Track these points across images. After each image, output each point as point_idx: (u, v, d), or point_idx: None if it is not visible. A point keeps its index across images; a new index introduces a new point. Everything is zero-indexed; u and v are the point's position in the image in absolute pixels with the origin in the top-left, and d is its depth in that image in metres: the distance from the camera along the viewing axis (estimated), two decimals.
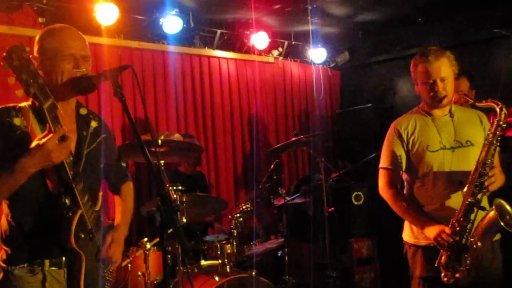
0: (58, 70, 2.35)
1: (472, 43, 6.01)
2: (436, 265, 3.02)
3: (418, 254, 3.19)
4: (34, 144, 2.17)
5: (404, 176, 3.31)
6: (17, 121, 2.33)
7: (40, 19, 4.85)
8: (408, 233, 3.27)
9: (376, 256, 5.97)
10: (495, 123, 2.97)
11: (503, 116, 2.96)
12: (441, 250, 3.00)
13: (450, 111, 3.21)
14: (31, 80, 2.11)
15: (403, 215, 3.23)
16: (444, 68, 3.11)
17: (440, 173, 3.10)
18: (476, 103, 3.08)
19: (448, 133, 3.15)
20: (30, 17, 4.85)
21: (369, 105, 6.91)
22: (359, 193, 6.09)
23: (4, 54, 2.10)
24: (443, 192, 3.09)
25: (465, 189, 2.95)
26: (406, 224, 3.29)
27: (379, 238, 6.02)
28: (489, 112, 3.18)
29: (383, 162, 3.31)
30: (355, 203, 6.07)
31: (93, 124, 2.62)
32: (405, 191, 3.32)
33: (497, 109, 2.97)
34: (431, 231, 3.02)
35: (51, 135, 2.15)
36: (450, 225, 2.97)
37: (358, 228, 6.03)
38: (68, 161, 2.28)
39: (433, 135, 3.16)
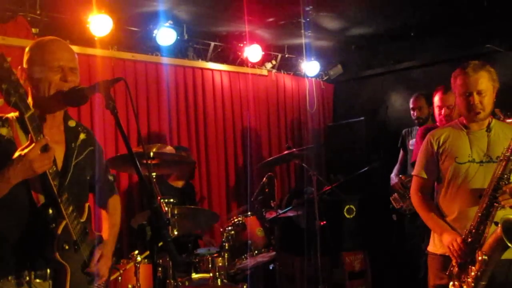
0: (45, 81, 2.35)
1: (464, 58, 6.00)
2: (447, 274, 3.07)
3: (434, 262, 3.27)
4: (16, 154, 2.16)
5: (435, 185, 3.38)
6: (3, 131, 2.33)
7: (33, 30, 4.85)
8: (431, 243, 3.34)
9: (368, 269, 5.95)
10: None
11: None
12: (453, 260, 3.05)
13: (488, 126, 3.22)
14: (12, 90, 2.10)
15: (426, 221, 3.30)
16: (482, 81, 3.12)
17: (464, 185, 3.15)
18: (505, 120, 3.12)
19: (480, 147, 3.17)
20: (24, 28, 4.84)
21: (362, 118, 6.93)
22: (351, 206, 6.09)
23: None
24: (463, 205, 3.13)
25: (480, 202, 3.00)
26: (432, 235, 3.35)
27: (371, 252, 6.02)
28: None
29: (416, 169, 3.40)
30: (347, 216, 6.07)
31: (82, 136, 2.62)
32: (434, 199, 3.38)
33: None
34: (446, 239, 3.09)
35: (33, 145, 2.14)
36: (463, 236, 3.02)
37: (350, 241, 6.02)
38: (51, 171, 2.26)
39: (464, 147, 3.19)
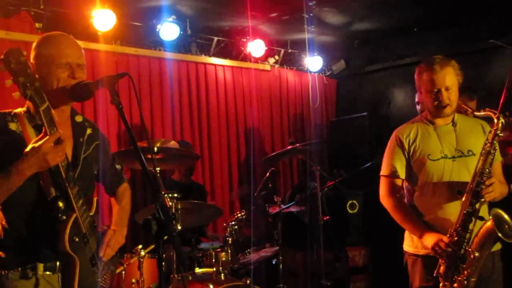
0: (53, 77, 2.37)
1: (467, 54, 6.02)
2: (434, 275, 3.01)
3: (417, 263, 3.18)
4: (29, 147, 2.19)
5: (405, 185, 3.31)
6: (12, 126, 2.35)
7: (37, 25, 4.85)
8: (408, 243, 3.26)
9: (371, 265, 5.96)
10: (492, 132, 2.97)
11: (500, 125, 2.96)
12: (440, 260, 2.99)
13: (453, 120, 3.20)
14: (28, 83, 2.15)
15: (402, 224, 3.21)
16: (449, 77, 3.10)
17: (440, 182, 3.10)
18: (475, 113, 3.08)
19: (449, 142, 3.15)
20: (27, 23, 4.84)
21: (365, 113, 6.92)
22: (354, 201, 6.10)
23: (2, 56, 2.13)
24: (442, 202, 3.09)
25: (463, 198, 2.95)
26: (407, 234, 3.28)
27: (374, 247, 6.03)
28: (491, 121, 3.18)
29: (384, 169, 3.30)
30: (350, 211, 6.08)
31: (88, 131, 2.64)
32: (405, 200, 3.32)
33: (494, 118, 2.98)
34: (429, 240, 3.01)
35: (46, 137, 2.17)
36: (448, 235, 2.97)
37: (353, 236, 6.03)
38: (63, 164, 2.28)
39: (435, 144, 3.15)
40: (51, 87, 2.36)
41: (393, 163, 3.24)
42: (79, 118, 2.61)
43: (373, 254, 6.02)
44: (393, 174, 3.23)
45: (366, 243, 6.03)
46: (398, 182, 3.26)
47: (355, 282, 5.83)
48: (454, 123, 3.20)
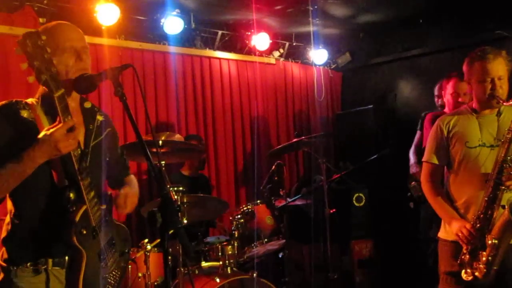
0: (61, 64, 2.33)
1: (473, 45, 5.95)
2: (458, 262, 3.07)
3: (445, 248, 3.25)
4: (42, 133, 2.16)
5: (445, 171, 3.37)
6: (24, 113, 2.32)
7: (40, 20, 4.84)
8: (442, 229, 3.33)
9: (377, 258, 5.95)
10: None
11: None
12: (463, 247, 3.05)
13: (498, 110, 3.20)
14: (44, 68, 2.12)
15: (436, 209, 3.30)
16: (502, 67, 3.12)
17: (473, 170, 3.13)
18: (504, 103, 3.08)
19: (490, 131, 3.15)
20: (31, 18, 4.83)
21: (370, 106, 6.89)
22: (360, 194, 6.08)
23: (19, 39, 2.11)
24: (473, 188, 3.12)
25: (486, 186, 3.00)
26: (443, 222, 3.33)
27: (380, 240, 6.01)
28: None
29: (426, 156, 3.38)
30: (356, 204, 6.06)
31: (99, 117, 2.61)
32: (444, 186, 3.37)
33: None
34: (455, 226, 3.09)
35: (60, 124, 2.14)
36: (472, 222, 3.03)
37: (358, 229, 6.02)
38: (76, 154, 2.26)
39: (474, 132, 3.17)
40: (61, 75, 2.31)
41: (432, 150, 3.32)
42: (88, 104, 2.57)
43: (379, 247, 6.01)
44: (431, 160, 3.33)
45: (372, 236, 6.01)
46: (437, 168, 3.34)
47: (361, 275, 5.82)
48: (499, 113, 3.20)
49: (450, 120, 3.28)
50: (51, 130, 2.14)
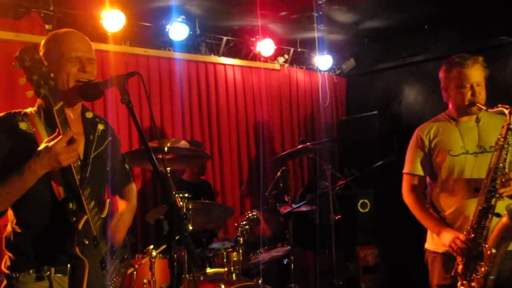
0: (64, 73, 2.34)
1: (478, 51, 5.95)
2: (452, 274, 3.01)
3: (436, 260, 3.20)
4: (42, 146, 2.17)
5: (427, 181, 3.33)
6: (23, 125, 2.32)
7: (47, 26, 4.86)
8: (429, 240, 3.28)
9: (382, 264, 5.93)
10: (505, 127, 2.96)
11: None
12: (457, 259, 2.99)
13: (477, 117, 3.19)
14: (42, 82, 2.13)
15: (422, 221, 3.25)
16: (479, 73, 3.12)
17: (460, 178, 3.10)
18: (488, 110, 3.06)
19: (471, 138, 3.14)
20: (37, 24, 4.85)
21: (375, 112, 6.88)
22: (365, 200, 6.07)
23: (16, 54, 2.12)
24: (461, 198, 3.09)
25: (479, 195, 2.95)
26: (429, 232, 3.29)
27: (385, 246, 6.00)
28: None
29: (406, 167, 3.35)
30: (361, 210, 6.06)
31: (100, 127, 2.62)
32: (428, 196, 3.34)
33: (507, 113, 2.96)
34: (446, 238, 3.03)
35: (60, 137, 2.15)
36: (465, 232, 2.97)
37: (364, 236, 6.01)
38: (76, 165, 2.27)
39: (456, 140, 3.15)
40: (62, 83, 2.34)
41: (414, 160, 3.29)
42: (89, 115, 2.58)
43: (385, 254, 5.99)
44: (413, 172, 3.28)
45: (377, 242, 6.00)
46: (420, 179, 3.30)
47: (366, 282, 5.80)
48: (477, 120, 3.19)
49: (430, 130, 3.25)
50: (52, 143, 2.14)
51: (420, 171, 3.26)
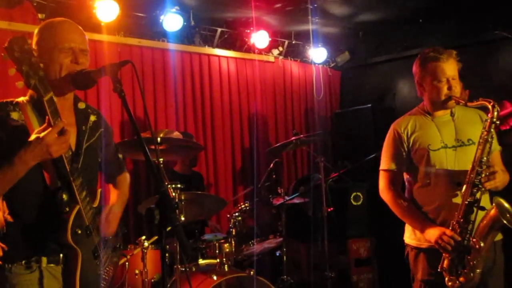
0: (56, 63, 2.33)
1: (473, 45, 5.98)
2: (439, 270, 2.98)
3: (420, 257, 3.16)
4: (33, 137, 2.16)
5: (406, 177, 3.29)
6: (14, 115, 2.32)
7: (40, 15, 4.82)
8: (410, 235, 3.23)
9: (374, 257, 5.95)
10: (489, 120, 2.95)
11: (495, 113, 2.93)
12: (443, 255, 2.97)
13: (451, 111, 3.17)
14: (32, 72, 2.12)
15: (403, 217, 3.20)
16: (454, 67, 3.09)
17: (441, 172, 3.07)
18: (468, 103, 3.03)
19: (448, 132, 3.12)
20: (30, 13, 4.82)
21: (369, 105, 6.89)
22: (358, 193, 6.07)
23: (6, 44, 2.10)
24: (443, 192, 3.06)
25: (463, 189, 2.93)
26: (408, 226, 3.26)
27: (377, 239, 6.01)
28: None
29: (383, 164, 3.29)
30: (354, 203, 6.06)
31: (92, 118, 2.61)
32: (406, 193, 3.29)
33: (490, 107, 2.94)
34: (432, 234, 2.99)
35: (50, 128, 2.14)
36: (450, 227, 2.95)
37: (356, 228, 6.01)
38: (67, 156, 2.27)
39: (434, 134, 3.13)
40: (54, 73, 2.33)
41: (391, 156, 3.23)
42: (82, 105, 2.58)
43: (377, 246, 6.01)
44: (391, 168, 3.22)
45: (370, 235, 6.01)
46: (398, 175, 3.25)
47: (358, 274, 5.82)
48: (452, 114, 3.18)
49: (407, 124, 3.20)
50: (43, 134, 2.13)
51: (396, 167, 3.21)
